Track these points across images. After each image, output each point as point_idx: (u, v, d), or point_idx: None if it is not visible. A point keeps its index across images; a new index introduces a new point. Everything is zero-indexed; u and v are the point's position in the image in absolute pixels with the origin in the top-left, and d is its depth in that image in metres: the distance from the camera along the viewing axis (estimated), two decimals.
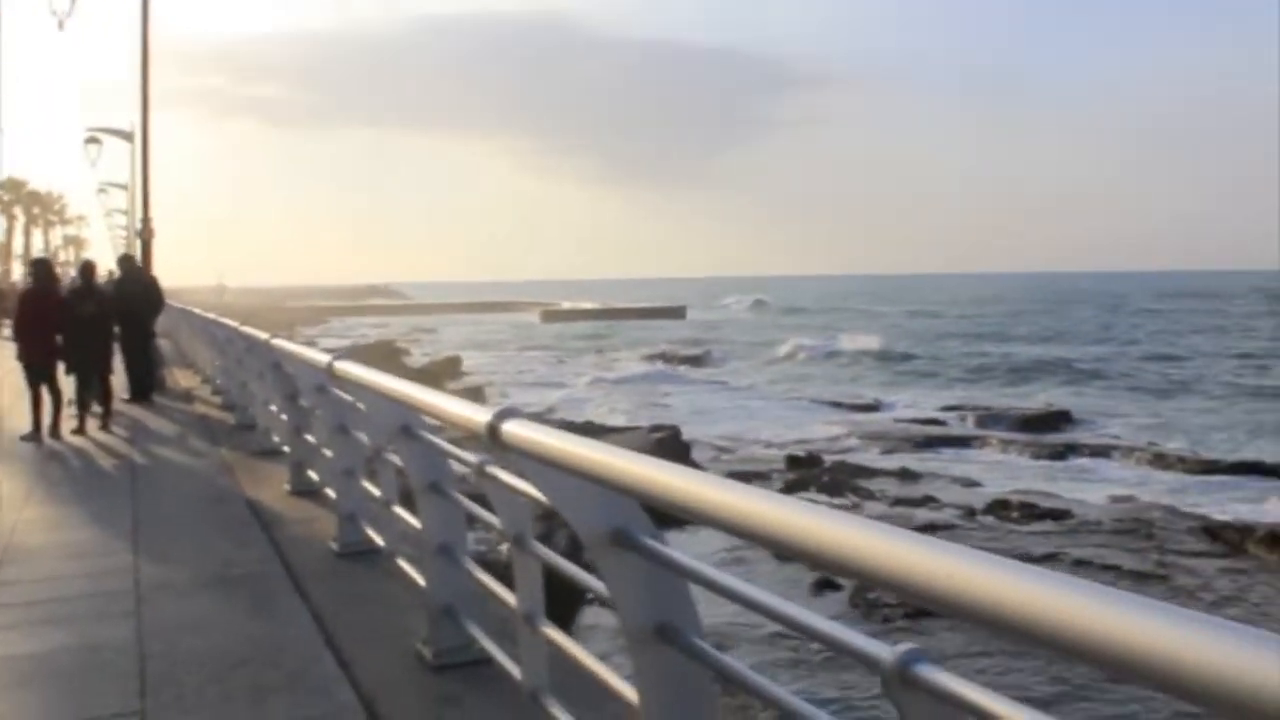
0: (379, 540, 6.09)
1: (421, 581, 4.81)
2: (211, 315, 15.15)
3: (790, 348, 69.06)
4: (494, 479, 3.55)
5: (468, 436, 3.49)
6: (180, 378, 17.52)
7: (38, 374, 13.07)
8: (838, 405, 43.14)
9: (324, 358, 5.90)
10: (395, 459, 5.17)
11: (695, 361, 65.86)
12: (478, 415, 3.20)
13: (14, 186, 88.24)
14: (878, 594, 16.76)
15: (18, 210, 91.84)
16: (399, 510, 5.46)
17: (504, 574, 4.05)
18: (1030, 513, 21.63)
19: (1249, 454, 30.90)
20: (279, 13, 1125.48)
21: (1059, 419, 39.50)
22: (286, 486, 8.54)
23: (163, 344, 19.16)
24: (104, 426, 13.49)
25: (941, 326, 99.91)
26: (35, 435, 12.85)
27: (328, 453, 6.85)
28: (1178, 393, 48.41)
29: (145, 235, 15.70)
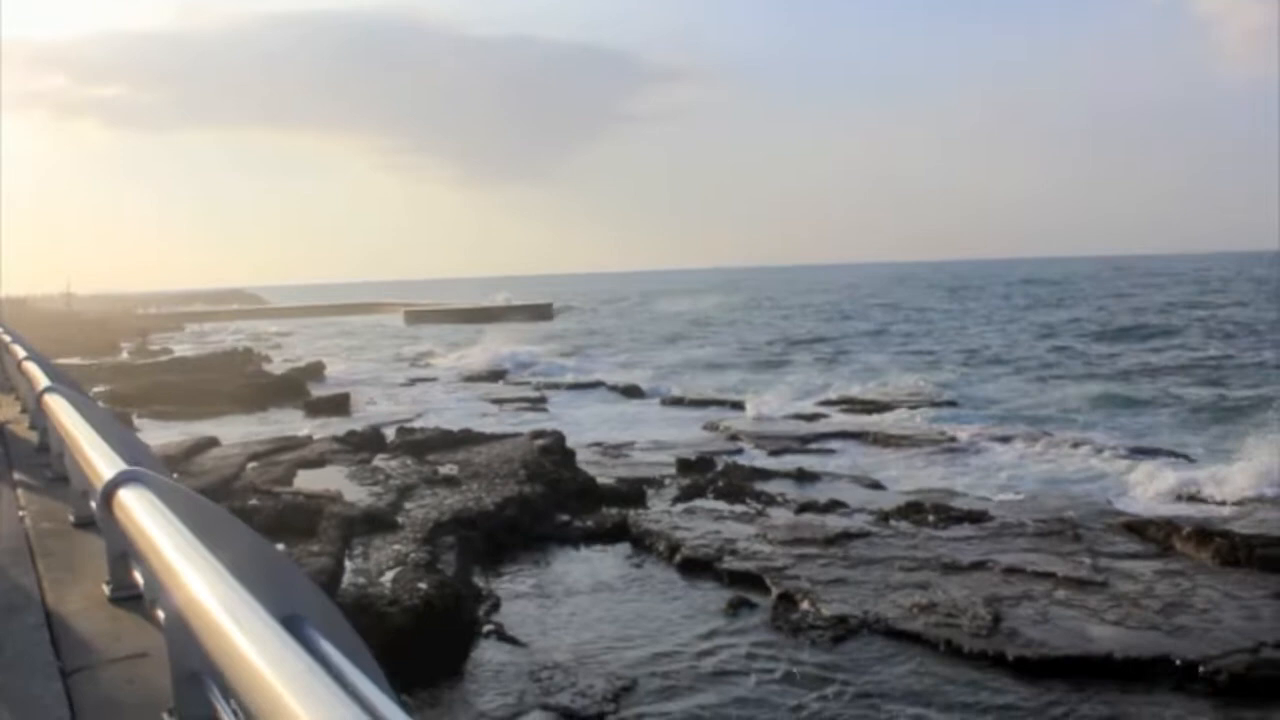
0: None
1: None
2: (10, 339, 12.45)
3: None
4: None
5: None
6: None
7: None
8: (707, 404, 41.38)
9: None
10: None
11: (563, 358, 64.12)
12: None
13: None
14: (800, 613, 15.25)
15: None
16: None
17: None
18: (946, 515, 20.31)
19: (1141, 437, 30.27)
20: (120, 11, 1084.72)
21: (945, 405, 38.83)
22: (107, 587, 5.62)
23: None
24: None
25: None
26: None
27: None
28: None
29: None
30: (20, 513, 7.87)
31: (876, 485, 24.69)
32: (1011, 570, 16.66)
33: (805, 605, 15.47)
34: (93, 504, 5.56)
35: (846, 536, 18.72)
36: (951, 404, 39.66)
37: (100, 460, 4.83)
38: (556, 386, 48.07)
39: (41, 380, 8.00)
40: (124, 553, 5.27)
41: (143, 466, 4.13)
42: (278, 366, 59.24)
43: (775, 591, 16.11)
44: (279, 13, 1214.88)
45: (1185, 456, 27.45)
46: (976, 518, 20.13)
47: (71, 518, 7.47)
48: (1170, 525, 18.94)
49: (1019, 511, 20.84)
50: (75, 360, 59.66)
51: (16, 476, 9.25)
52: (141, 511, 3.57)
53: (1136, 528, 19.29)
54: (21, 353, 9.47)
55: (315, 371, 54.12)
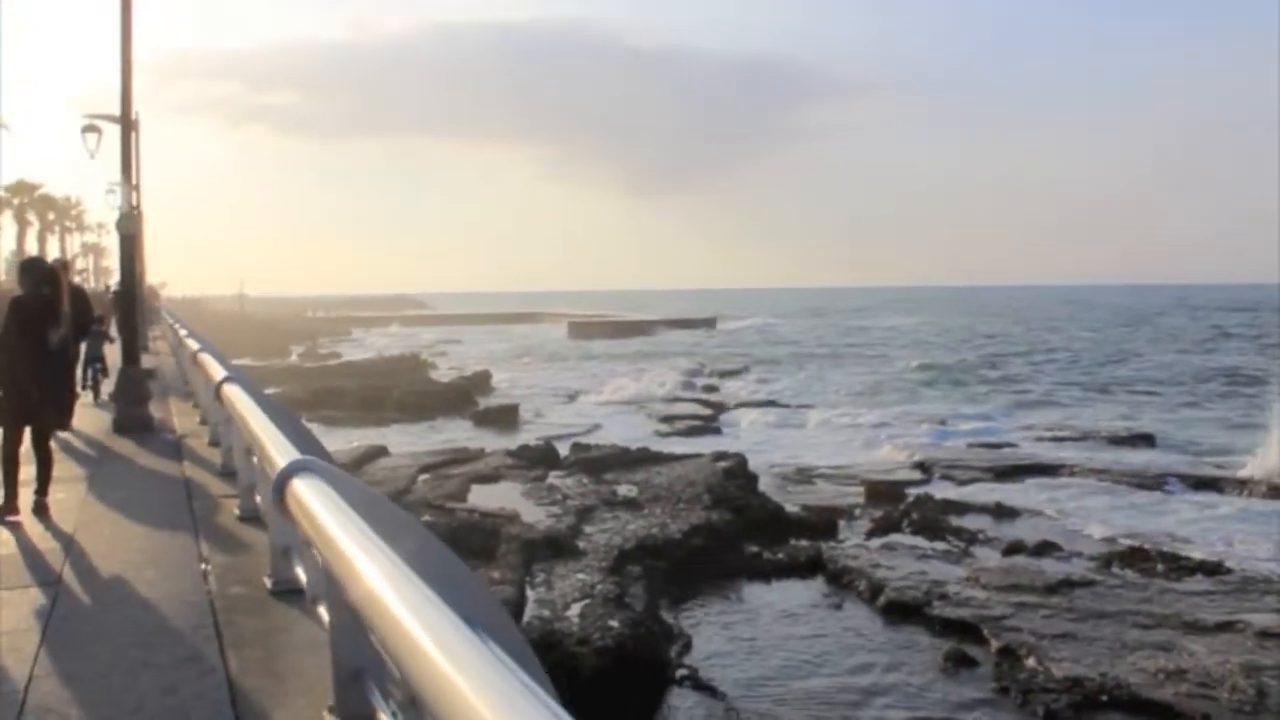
0: None
1: None
2: (186, 333, 11.50)
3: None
4: None
5: None
6: (177, 413, 13.55)
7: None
8: (886, 426, 39.52)
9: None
10: None
11: (733, 375, 62.98)
12: None
13: (24, 189, 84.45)
14: (1027, 672, 13.67)
15: (31, 216, 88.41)
16: None
17: None
18: (1176, 564, 18.43)
19: None
20: (294, 22, 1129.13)
21: (1141, 441, 36.42)
22: (331, 717, 3.74)
23: (155, 362, 15.97)
24: (39, 507, 8.40)
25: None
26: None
27: None
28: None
29: (125, 228, 11.76)
30: (203, 566, 6.15)
31: (1083, 526, 22.77)
32: (1267, 634, 14.79)
33: (1032, 663, 13.90)
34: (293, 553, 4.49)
35: (1068, 584, 17.01)
36: (1148, 438, 37.10)
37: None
38: (725, 405, 46.73)
39: (278, 452, 5.58)
40: (359, 668, 3.55)
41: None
42: (444, 374, 59.15)
43: (995, 645, 14.58)
44: (447, 24, 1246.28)
45: None
46: (1211, 569, 18.21)
47: (269, 583, 5.75)
48: None
49: (1258, 563, 18.87)
50: (247, 361, 60.44)
51: (196, 509, 7.43)
52: (315, 501, 3.29)
53: None
54: (220, 373, 7.80)
55: (482, 381, 53.75)
